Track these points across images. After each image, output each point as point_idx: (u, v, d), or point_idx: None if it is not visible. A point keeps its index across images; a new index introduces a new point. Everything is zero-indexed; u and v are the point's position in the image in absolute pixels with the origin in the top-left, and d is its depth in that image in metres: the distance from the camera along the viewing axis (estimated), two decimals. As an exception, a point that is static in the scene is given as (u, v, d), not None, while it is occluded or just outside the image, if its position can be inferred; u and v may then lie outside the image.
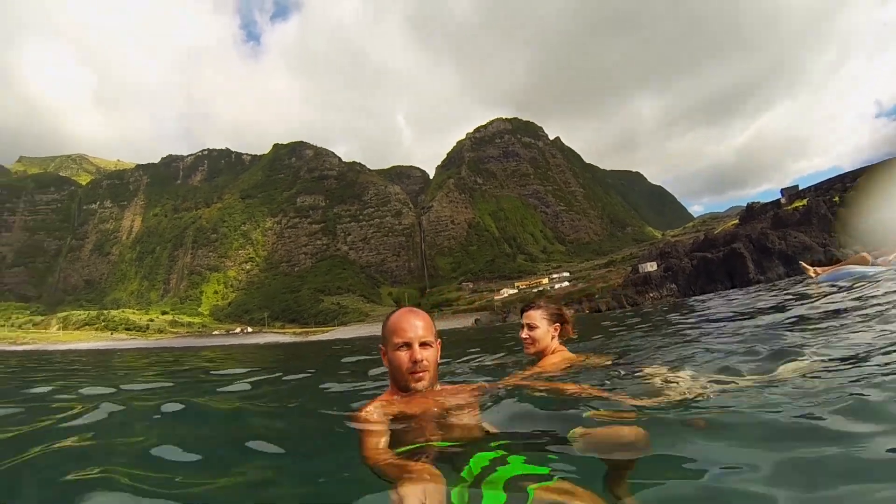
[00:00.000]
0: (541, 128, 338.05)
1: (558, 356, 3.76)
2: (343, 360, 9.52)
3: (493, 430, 2.22)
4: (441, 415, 2.37)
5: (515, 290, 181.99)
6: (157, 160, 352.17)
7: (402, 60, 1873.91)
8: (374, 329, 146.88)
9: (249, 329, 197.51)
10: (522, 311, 3.96)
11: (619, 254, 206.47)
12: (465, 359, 6.12)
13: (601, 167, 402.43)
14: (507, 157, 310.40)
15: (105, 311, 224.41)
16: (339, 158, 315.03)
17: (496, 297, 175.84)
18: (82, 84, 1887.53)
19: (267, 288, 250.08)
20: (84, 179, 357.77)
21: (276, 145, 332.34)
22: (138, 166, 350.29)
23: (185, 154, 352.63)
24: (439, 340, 2.61)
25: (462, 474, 1.76)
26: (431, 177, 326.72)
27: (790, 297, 10.52)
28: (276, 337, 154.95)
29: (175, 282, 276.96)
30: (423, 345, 2.48)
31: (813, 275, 13.01)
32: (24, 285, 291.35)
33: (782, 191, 74.31)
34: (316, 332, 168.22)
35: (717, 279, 54.42)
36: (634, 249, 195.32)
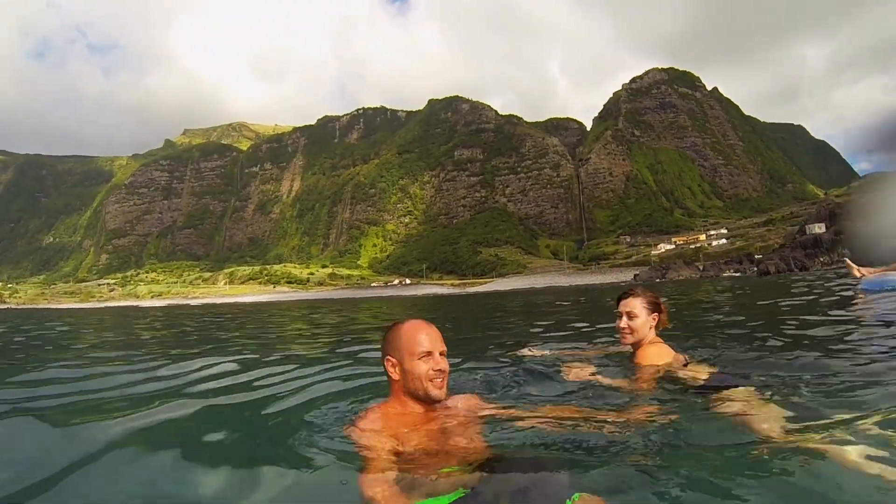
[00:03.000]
0: (698, 77, 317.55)
1: (655, 348, 3.57)
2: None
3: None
4: (443, 435, 2.33)
5: (673, 246, 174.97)
6: (313, 122, 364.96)
7: (554, 7, 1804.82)
8: (532, 281, 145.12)
9: (408, 281, 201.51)
10: (619, 299, 3.77)
11: (779, 212, 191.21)
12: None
13: (761, 119, 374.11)
14: (663, 108, 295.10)
15: (268, 266, 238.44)
16: (496, 111, 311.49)
17: (653, 253, 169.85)
18: (238, 57, 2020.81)
19: (425, 240, 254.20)
20: (244, 145, 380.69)
21: (431, 101, 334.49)
22: (295, 129, 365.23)
23: (341, 114, 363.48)
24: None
25: None
26: (588, 128, 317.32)
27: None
28: (434, 288, 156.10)
29: (334, 236, 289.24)
30: (442, 354, 2.52)
31: (857, 274, 11.14)
32: (193, 245, 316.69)
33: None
34: (474, 283, 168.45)
35: (898, 248, 46.54)
36: (795, 208, 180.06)
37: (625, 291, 3.83)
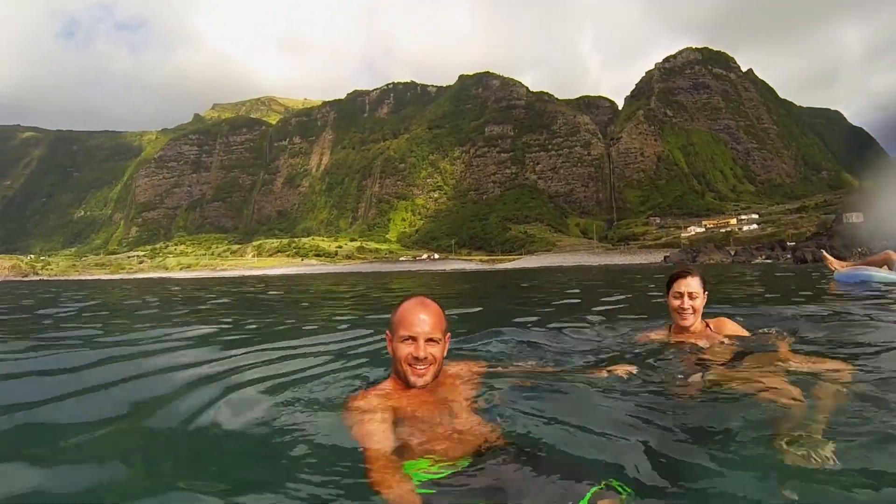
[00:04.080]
0: (732, 59, 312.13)
1: (730, 322, 3.74)
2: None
3: (495, 434, 2.13)
4: (440, 413, 2.30)
5: (703, 229, 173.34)
6: (342, 96, 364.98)
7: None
8: (561, 259, 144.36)
9: (436, 256, 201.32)
10: (676, 278, 3.68)
11: (813, 199, 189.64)
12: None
13: (796, 103, 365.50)
14: (697, 88, 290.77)
15: (296, 239, 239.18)
16: (527, 88, 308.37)
17: (683, 235, 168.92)
18: (266, 32, 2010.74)
19: (455, 216, 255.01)
20: (273, 119, 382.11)
21: (461, 76, 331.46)
22: (325, 103, 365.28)
23: (371, 88, 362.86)
24: (448, 335, 2.54)
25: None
26: (619, 107, 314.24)
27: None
28: (462, 264, 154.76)
29: (363, 210, 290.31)
30: (430, 341, 2.39)
31: (832, 268, 11.02)
32: (222, 218, 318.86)
33: None
34: (502, 259, 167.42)
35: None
36: (829, 196, 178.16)
37: (682, 270, 3.74)
